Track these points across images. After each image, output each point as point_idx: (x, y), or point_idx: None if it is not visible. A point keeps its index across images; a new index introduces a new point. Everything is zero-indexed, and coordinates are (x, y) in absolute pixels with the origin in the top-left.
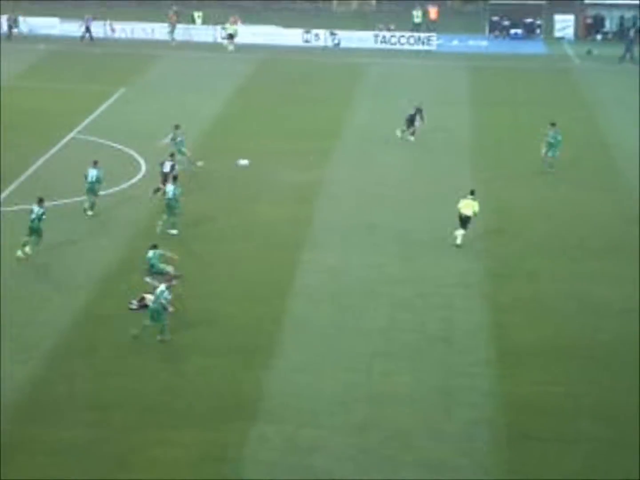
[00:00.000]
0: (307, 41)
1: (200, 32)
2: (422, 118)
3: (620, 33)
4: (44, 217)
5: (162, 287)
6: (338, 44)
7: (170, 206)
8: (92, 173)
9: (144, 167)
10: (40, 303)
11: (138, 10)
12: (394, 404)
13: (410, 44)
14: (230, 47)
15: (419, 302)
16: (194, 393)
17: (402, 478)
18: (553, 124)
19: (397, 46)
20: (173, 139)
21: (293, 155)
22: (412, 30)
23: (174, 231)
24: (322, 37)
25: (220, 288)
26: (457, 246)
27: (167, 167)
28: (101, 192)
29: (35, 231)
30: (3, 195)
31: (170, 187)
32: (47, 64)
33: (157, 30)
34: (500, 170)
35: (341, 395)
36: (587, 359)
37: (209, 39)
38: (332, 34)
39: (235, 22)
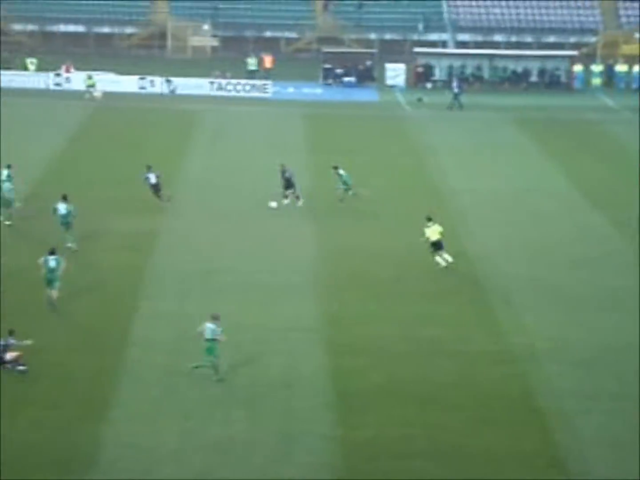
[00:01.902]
0: (142, 87)
1: (33, 78)
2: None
3: (449, 81)
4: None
5: (211, 325)
6: (174, 91)
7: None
8: (62, 207)
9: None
10: None
11: None
12: (232, 452)
13: (246, 91)
14: (97, 94)
15: (259, 347)
16: (26, 446)
17: None
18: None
19: (233, 93)
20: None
21: (126, 202)
22: (247, 77)
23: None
24: (158, 84)
25: (54, 339)
26: (446, 267)
27: (153, 179)
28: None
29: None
30: None
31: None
32: None
33: None
34: (333, 212)
35: (178, 444)
36: (423, 400)
37: (41, 85)
38: (168, 80)
39: (68, 70)
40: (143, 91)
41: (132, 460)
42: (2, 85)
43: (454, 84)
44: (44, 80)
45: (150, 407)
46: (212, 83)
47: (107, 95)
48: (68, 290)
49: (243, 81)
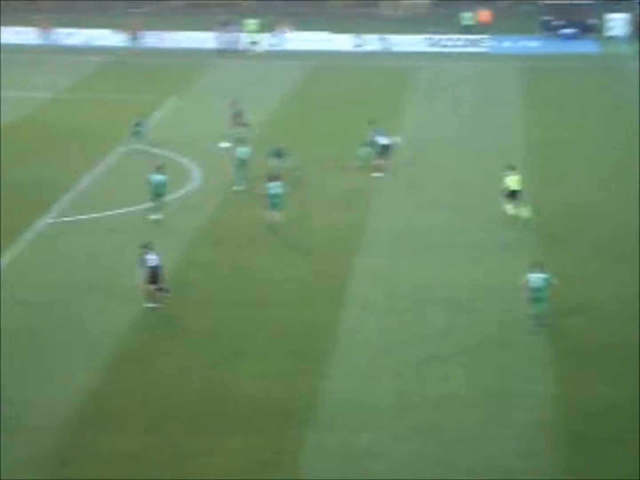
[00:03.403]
0: (357, 46)
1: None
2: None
3: None
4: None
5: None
6: (388, 48)
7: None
8: (157, 178)
9: (196, 176)
10: (95, 313)
11: (188, 20)
12: (450, 409)
13: (461, 46)
14: (251, 53)
15: (475, 305)
16: (246, 399)
17: None
18: None
19: (448, 49)
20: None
21: (341, 161)
22: (462, 32)
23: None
24: (372, 42)
25: (273, 293)
26: (515, 217)
27: (385, 140)
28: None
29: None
30: (59, 205)
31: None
32: (98, 76)
33: (208, 40)
34: (554, 171)
35: (396, 400)
36: None
37: (258, 47)
38: (382, 38)
39: (285, 31)
40: (357, 49)
41: (351, 416)
42: (221, 47)
43: None
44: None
45: (367, 363)
46: (427, 39)
47: (322, 54)
48: (283, 246)
49: (458, 36)
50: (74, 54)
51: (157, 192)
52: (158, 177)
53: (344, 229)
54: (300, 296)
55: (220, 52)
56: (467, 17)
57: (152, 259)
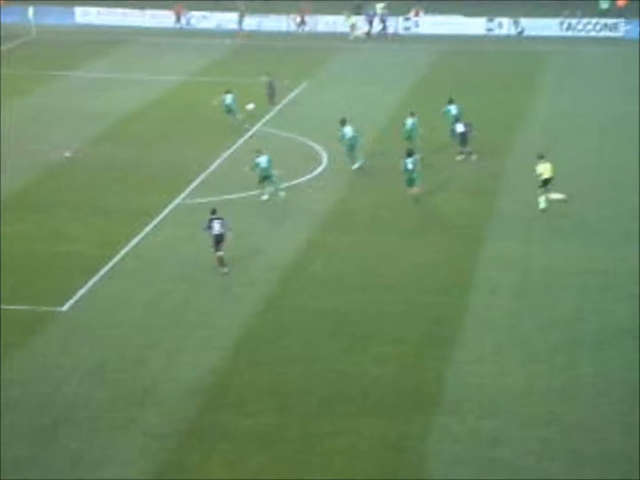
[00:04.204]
0: (489, 30)
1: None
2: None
3: None
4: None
5: None
6: (522, 32)
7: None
8: (263, 159)
9: (325, 160)
10: (223, 293)
11: (320, 3)
12: (578, 397)
13: (596, 30)
14: (351, 38)
15: (605, 293)
16: (373, 382)
17: (585, 472)
18: None
19: (583, 33)
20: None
21: (473, 145)
22: (598, 16)
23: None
24: (505, 25)
25: (401, 277)
26: (543, 211)
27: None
28: (284, 184)
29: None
30: (189, 188)
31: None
32: (230, 59)
33: (339, 24)
34: None
35: (523, 387)
36: None
37: (390, 29)
38: (516, 21)
39: (417, 14)
40: (490, 33)
41: (477, 402)
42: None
43: None
44: (394, 25)
45: (495, 349)
46: (561, 23)
47: (453, 38)
48: (413, 231)
49: (594, 20)
50: (205, 37)
51: (264, 174)
52: (260, 160)
53: (473, 212)
54: (429, 280)
55: (354, 36)
56: (603, 1)
57: (217, 227)
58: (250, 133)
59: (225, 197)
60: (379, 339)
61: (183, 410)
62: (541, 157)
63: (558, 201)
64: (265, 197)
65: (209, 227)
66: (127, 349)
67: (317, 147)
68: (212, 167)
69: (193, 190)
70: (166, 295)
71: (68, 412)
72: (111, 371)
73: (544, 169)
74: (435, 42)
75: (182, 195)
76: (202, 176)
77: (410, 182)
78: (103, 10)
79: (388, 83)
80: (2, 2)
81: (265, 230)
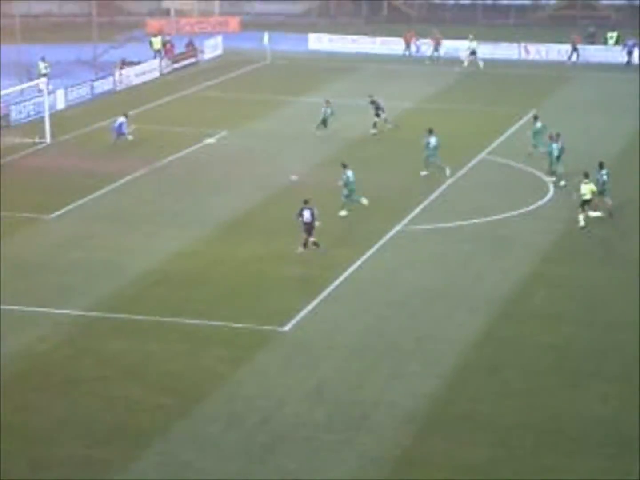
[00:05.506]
0: None
1: (611, 53)
2: None
3: None
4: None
5: None
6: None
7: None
8: (350, 174)
9: (551, 190)
10: (442, 321)
11: (552, 32)
12: None
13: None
14: (465, 64)
15: None
16: (594, 421)
17: None
18: None
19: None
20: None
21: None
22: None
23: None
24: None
25: (626, 314)
26: (582, 228)
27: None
28: (504, 215)
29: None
30: (412, 214)
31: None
32: (459, 86)
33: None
34: None
35: None
36: None
37: (619, 59)
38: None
39: None
40: None
41: None
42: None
43: None
44: (621, 54)
45: None
46: None
47: None
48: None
49: None
50: (439, 65)
51: (350, 188)
52: (349, 174)
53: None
54: None
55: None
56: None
57: (307, 215)
58: (474, 161)
59: (443, 224)
60: (601, 376)
61: (398, 436)
62: (586, 176)
63: (597, 218)
64: (343, 213)
65: (300, 215)
66: (344, 372)
67: (543, 177)
68: (436, 194)
69: (416, 216)
70: (384, 320)
71: (287, 431)
72: (329, 393)
73: (586, 189)
74: None
75: (404, 222)
76: (425, 202)
77: (600, 193)
78: (335, 37)
79: (617, 113)
80: (239, 27)
81: (487, 260)
